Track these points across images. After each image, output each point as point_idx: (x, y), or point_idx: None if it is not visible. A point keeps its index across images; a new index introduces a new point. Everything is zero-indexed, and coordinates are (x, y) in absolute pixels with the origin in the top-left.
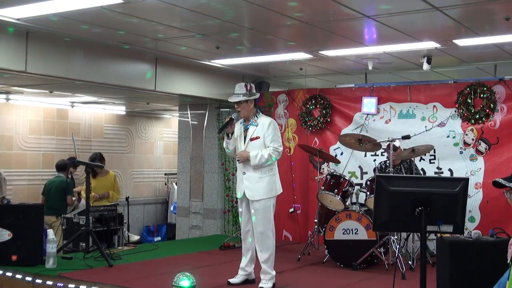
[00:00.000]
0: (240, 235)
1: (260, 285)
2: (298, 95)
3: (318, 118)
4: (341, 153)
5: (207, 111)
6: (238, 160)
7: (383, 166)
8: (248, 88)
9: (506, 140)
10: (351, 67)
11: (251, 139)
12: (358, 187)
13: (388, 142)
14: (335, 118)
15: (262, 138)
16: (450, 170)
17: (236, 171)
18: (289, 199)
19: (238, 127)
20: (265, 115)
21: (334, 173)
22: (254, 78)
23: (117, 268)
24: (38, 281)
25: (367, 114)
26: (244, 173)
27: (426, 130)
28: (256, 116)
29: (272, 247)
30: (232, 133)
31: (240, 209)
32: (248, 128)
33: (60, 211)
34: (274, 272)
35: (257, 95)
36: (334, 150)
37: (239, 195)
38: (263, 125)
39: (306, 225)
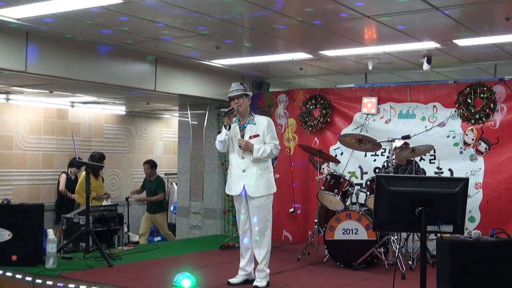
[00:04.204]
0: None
1: (255, 283)
2: (298, 95)
3: (318, 118)
4: (341, 153)
5: (207, 111)
6: (240, 146)
7: (385, 165)
8: (245, 86)
9: (506, 140)
10: (351, 67)
11: (251, 137)
12: (358, 187)
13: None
14: (335, 118)
15: (262, 136)
16: (450, 170)
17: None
18: (289, 199)
19: (232, 126)
20: (260, 114)
21: (334, 173)
22: (254, 78)
23: (117, 268)
24: (38, 281)
25: (367, 114)
26: (244, 170)
27: (426, 130)
28: (252, 115)
29: (270, 244)
30: (230, 126)
31: (237, 208)
32: (245, 127)
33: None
34: (268, 270)
35: (251, 93)
36: (334, 150)
37: (234, 192)
38: (262, 123)
39: (306, 225)
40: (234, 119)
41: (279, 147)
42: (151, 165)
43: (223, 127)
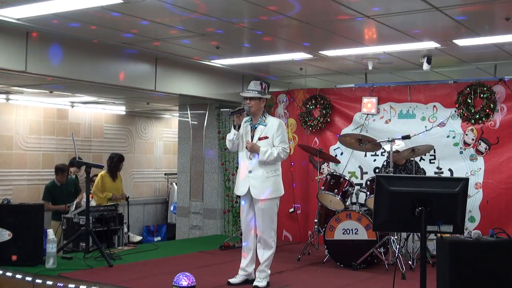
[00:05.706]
0: (241, 235)
1: (255, 283)
2: (298, 95)
3: (318, 118)
4: (341, 153)
5: (207, 111)
6: (246, 148)
7: (385, 164)
8: (263, 87)
9: (506, 140)
10: (351, 67)
11: (260, 138)
12: (358, 187)
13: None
14: (335, 118)
15: (271, 138)
16: (450, 170)
17: (236, 170)
18: (289, 199)
19: (243, 125)
20: (272, 116)
21: (334, 173)
22: (254, 78)
23: (117, 268)
24: (38, 281)
25: (367, 114)
26: (250, 171)
27: (426, 130)
28: (264, 116)
29: (274, 246)
30: (239, 126)
31: (242, 208)
32: (256, 128)
33: None
34: (269, 271)
35: (269, 96)
36: (334, 150)
37: (240, 192)
38: (273, 125)
39: (306, 225)
40: (247, 118)
41: (288, 151)
42: (61, 172)
43: (232, 126)
